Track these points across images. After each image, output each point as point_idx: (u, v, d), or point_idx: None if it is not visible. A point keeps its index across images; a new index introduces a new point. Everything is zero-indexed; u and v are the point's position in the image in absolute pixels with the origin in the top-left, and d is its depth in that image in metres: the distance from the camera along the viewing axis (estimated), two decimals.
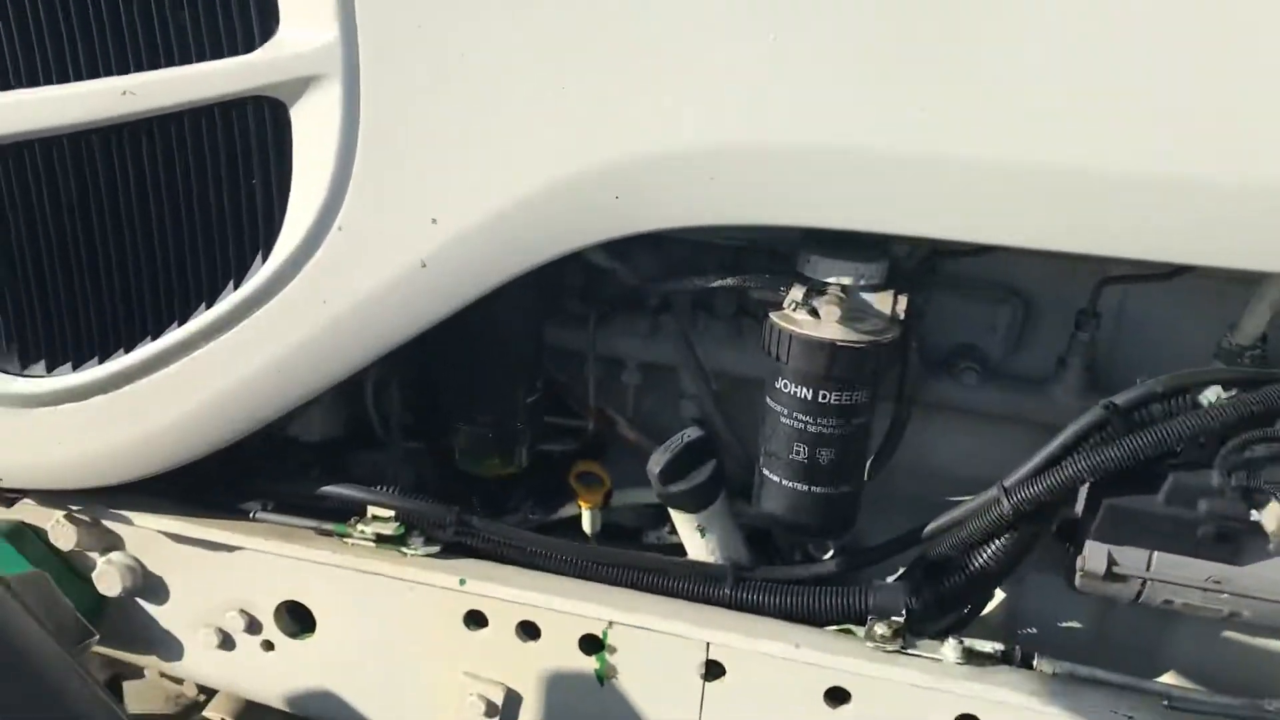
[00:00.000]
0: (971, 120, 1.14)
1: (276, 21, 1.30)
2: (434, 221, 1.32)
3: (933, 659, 1.41)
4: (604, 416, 1.69)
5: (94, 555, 1.71)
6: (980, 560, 1.43)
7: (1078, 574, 1.38)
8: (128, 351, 1.48)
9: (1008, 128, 1.13)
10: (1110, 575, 1.36)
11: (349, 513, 1.62)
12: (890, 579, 1.59)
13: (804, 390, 1.36)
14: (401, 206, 1.32)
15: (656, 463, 1.49)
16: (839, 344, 1.33)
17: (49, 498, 1.67)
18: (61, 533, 1.68)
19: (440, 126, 1.28)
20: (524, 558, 1.58)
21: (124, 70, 1.34)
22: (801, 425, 1.38)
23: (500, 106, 1.26)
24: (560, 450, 1.72)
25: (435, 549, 1.59)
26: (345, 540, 1.61)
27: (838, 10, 1.14)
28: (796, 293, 1.35)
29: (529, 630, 1.55)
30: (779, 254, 1.51)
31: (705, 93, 1.19)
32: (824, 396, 1.36)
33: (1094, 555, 1.37)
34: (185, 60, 1.32)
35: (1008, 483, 1.39)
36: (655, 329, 1.64)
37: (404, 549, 1.58)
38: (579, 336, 1.65)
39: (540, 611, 1.53)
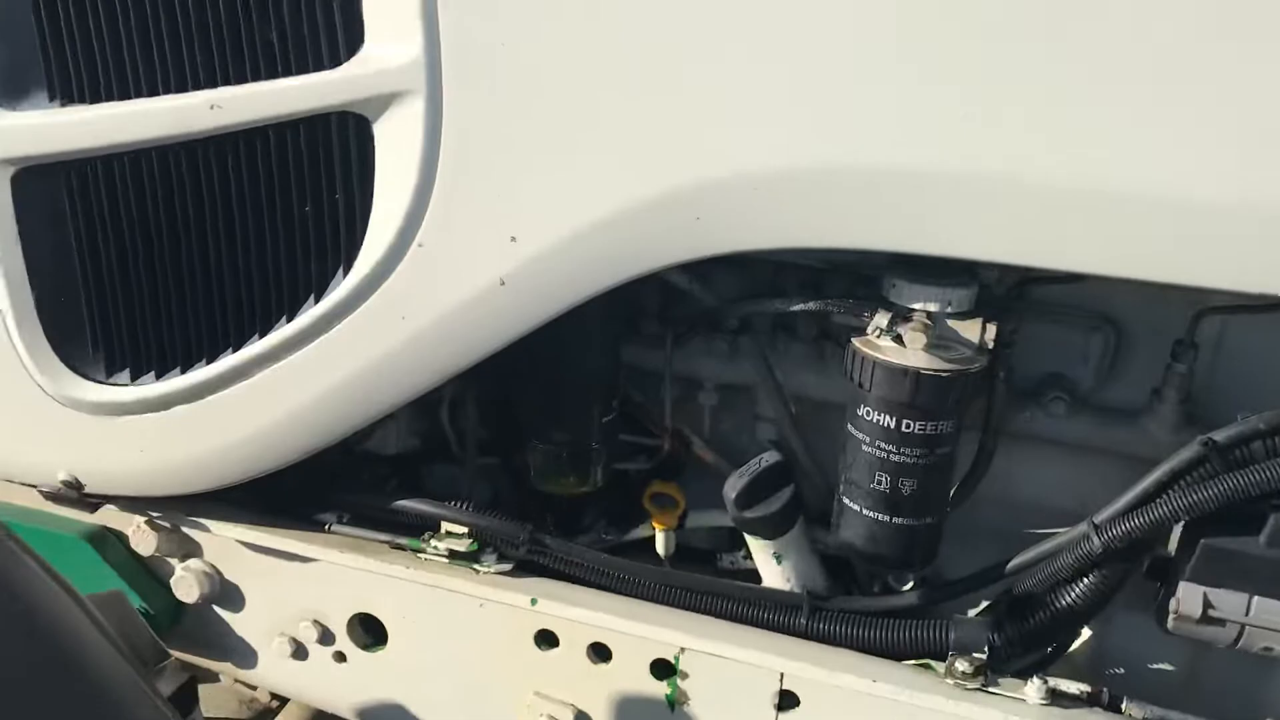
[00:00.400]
0: (1063, 146, 1.10)
1: (362, 38, 1.30)
2: (513, 239, 1.31)
3: (1015, 699, 1.36)
4: (679, 436, 1.67)
5: (173, 561, 1.73)
6: (1067, 598, 1.38)
7: (1170, 616, 1.32)
8: (210, 362, 1.49)
9: (1100, 153, 1.09)
10: (1206, 619, 1.30)
11: (423, 527, 1.62)
12: (971, 613, 1.55)
13: (887, 418, 1.33)
14: (481, 223, 1.32)
15: (733, 487, 1.46)
16: (924, 372, 1.29)
17: (130, 504, 1.70)
18: (141, 538, 1.70)
19: (522, 144, 1.27)
20: (596, 579, 1.56)
21: (211, 84, 1.36)
22: (884, 454, 1.34)
23: (582, 125, 1.25)
24: (635, 469, 1.70)
25: (508, 566, 1.58)
26: (419, 555, 1.61)
27: (930, 33, 1.10)
28: (881, 318, 1.32)
29: (600, 652, 1.54)
30: (863, 276, 1.47)
31: (789, 114, 1.17)
32: (907, 425, 1.32)
33: (1189, 597, 1.31)
34: (271, 75, 1.33)
35: (1098, 519, 1.34)
36: (734, 350, 1.61)
37: (477, 566, 1.58)
38: (656, 356, 1.63)
39: (612, 634, 1.51)
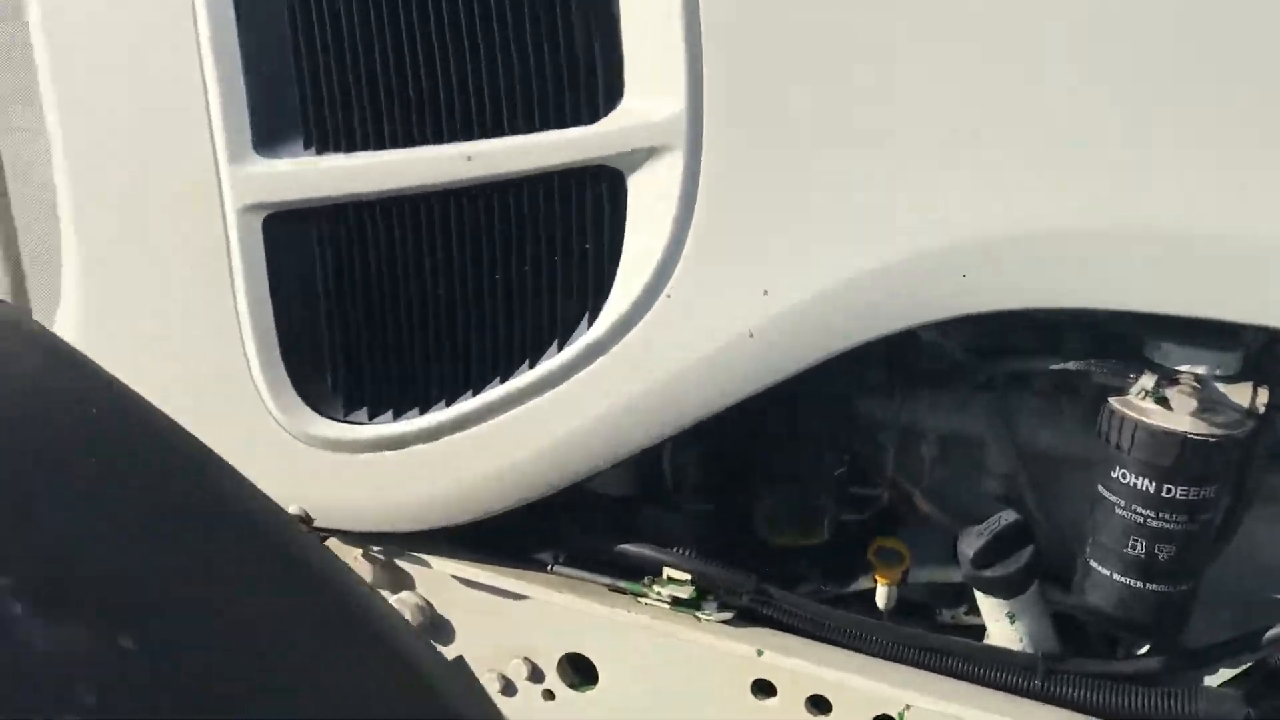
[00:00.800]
0: None
1: (621, 93, 1.32)
2: (765, 293, 1.31)
3: None
4: (899, 488, 1.64)
5: (386, 593, 1.76)
6: None
7: None
8: (449, 405, 1.51)
9: None
10: None
11: (640, 571, 1.62)
12: (1208, 681, 1.49)
13: (1146, 483, 1.29)
14: (733, 276, 1.32)
15: (970, 545, 1.44)
16: (1191, 437, 1.25)
17: (352, 537, 1.73)
18: (359, 570, 1.74)
19: (781, 199, 1.27)
20: (820, 631, 1.55)
21: (467, 136, 1.38)
22: (1140, 519, 1.31)
23: (845, 182, 1.24)
24: (854, 519, 1.68)
25: (728, 615, 1.58)
26: (638, 599, 1.61)
27: (1215, 97, 1.08)
28: (1147, 380, 1.28)
29: (819, 705, 1.52)
30: (1110, 333, 1.43)
31: (1068, 173, 1.15)
32: (1168, 491, 1.28)
33: None
34: (529, 128, 1.35)
35: None
36: (964, 401, 1.58)
37: (698, 613, 1.58)
38: (877, 404, 1.61)
39: (833, 687, 1.50)
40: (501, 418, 1.49)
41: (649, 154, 1.31)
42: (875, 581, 1.62)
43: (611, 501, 1.73)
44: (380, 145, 1.43)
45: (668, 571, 1.59)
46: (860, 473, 1.65)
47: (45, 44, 1.55)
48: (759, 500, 1.58)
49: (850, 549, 1.66)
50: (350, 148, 1.44)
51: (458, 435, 1.52)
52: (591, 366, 1.42)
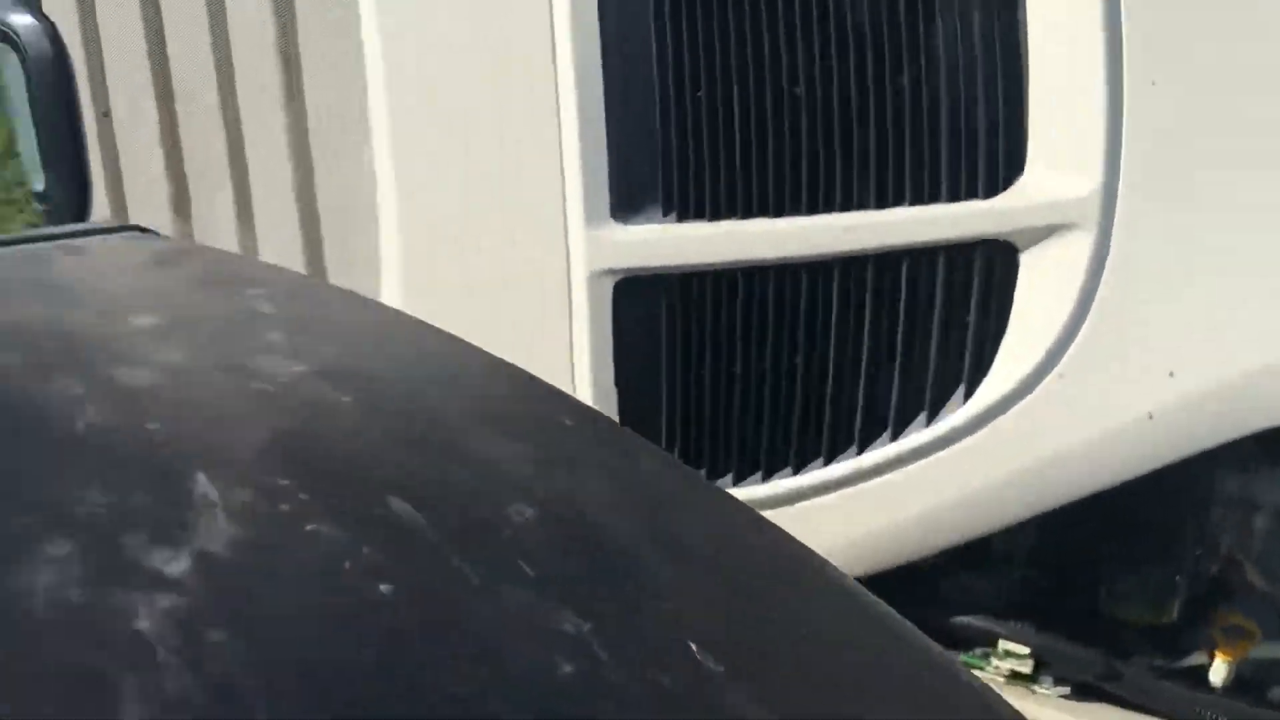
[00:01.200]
0: None
1: (1022, 165, 1.29)
2: (1171, 375, 1.28)
3: None
4: (1231, 560, 1.60)
5: None
6: None
7: None
8: (796, 473, 1.49)
9: None
10: None
11: (965, 641, 1.59)
12: None
13: None
14: (1136, 357, 1.29)
15: None
16: None
17: None
18: None
19: (1198, 279, 1.25)
20: (1169, 709, 1.51)
21: (845, 207, 1.36)
22: None
23: (1272, 263, 1.21)
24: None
25: (1066, 690, 1.54)
26: (969, 670, 1.58)
27: None
28: None
29: None
30: None
31: None
32: None
33: None
34: (915, 200, 1.33)
35: None
36: None
37: (1035, 687, 1.55)
38: (1225, 478, 1.56)
39: None
40: (851, 490, 1.46)
41: (1049, 231, 1.28)
42: (1210, 657, 1.58)
43: (930, 568, 1.70)
44: (747, 213, 1.40)
45: (1004, 644, 1.56)
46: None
47: (383, 82, 1.50)
48: (1113, 578, 1.54)
49: (1182, 622, 1.62)
50: (715, 215, 1.42)
51: (802, 505, 1.50)
52: (963, 442, 1.39)
